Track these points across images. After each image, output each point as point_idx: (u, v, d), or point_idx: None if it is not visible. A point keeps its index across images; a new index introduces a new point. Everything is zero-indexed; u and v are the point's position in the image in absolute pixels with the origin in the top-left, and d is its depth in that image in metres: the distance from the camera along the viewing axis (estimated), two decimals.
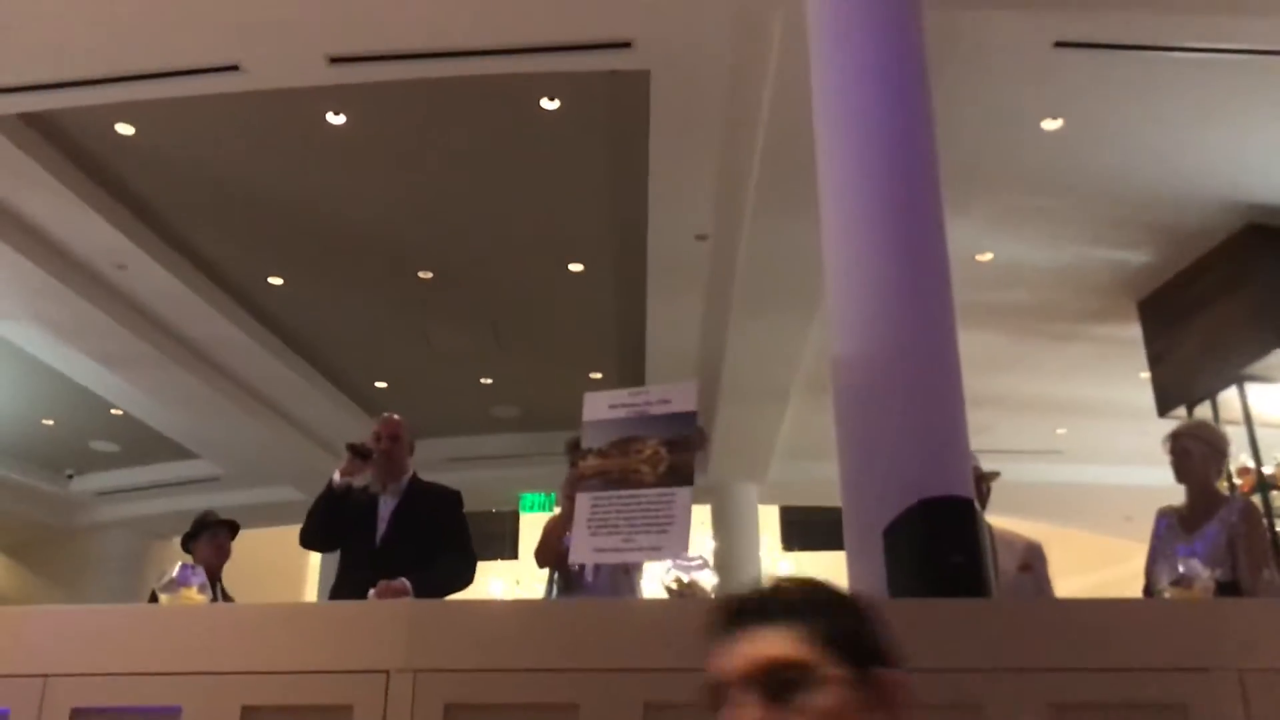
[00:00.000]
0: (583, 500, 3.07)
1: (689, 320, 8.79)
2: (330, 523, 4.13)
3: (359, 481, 4.17)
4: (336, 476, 4.07)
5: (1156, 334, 8.08)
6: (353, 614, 2.33)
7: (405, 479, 4.27)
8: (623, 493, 3.02)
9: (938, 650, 2.18)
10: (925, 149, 4.08)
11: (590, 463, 3.12)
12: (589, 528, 2.99)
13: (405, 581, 3.64)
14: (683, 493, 2.97)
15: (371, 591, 3.56)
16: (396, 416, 4.36)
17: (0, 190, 6.82)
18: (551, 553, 4.11)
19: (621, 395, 3.21)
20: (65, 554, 13.68)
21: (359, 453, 4.07)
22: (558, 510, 4.27)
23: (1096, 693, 2.14)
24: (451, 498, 4.32)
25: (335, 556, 4.44)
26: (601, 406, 3.20)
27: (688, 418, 3.10)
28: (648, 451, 3.06)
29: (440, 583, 3.75)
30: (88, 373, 9.78)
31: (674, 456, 3.03)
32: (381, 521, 4.13)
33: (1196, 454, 4.08)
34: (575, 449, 3.80)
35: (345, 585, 4.05)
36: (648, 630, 2.22)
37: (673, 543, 2.87)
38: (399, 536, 4.07)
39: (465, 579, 4.10)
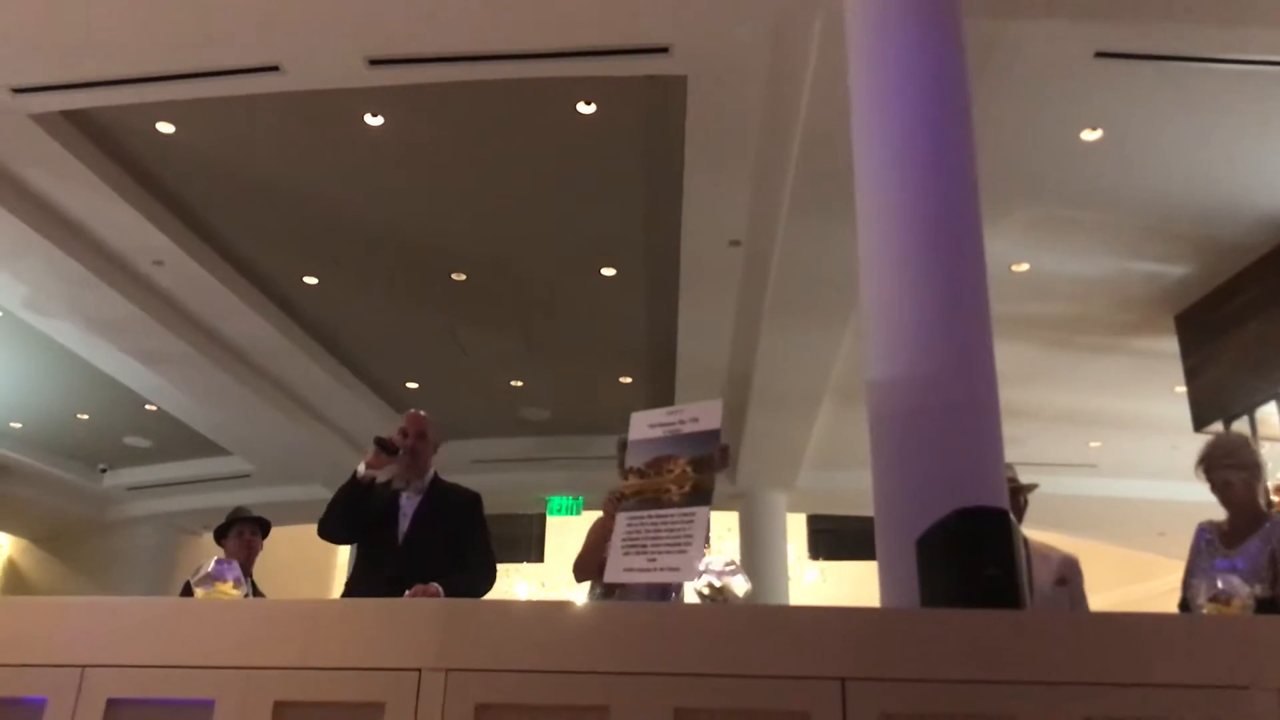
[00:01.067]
0: (621, 520, 3.11)
1: (721, 326, 8.78)
2: (351, 516, 4.11)
3: (383, 477, 4.16)
4: (362, 468, 4.06)
5: (1193, 348, 7.99)
6: (386, 612, 2.34)
7: (428, 478, 4.25)
8: (653, 512, 3.05)
9: (971, 661, 2.17)
10: (964, 157, 4.05)
11: (631, 482, 3.16)
12: (623, 548, 3.03)
13: (438, 587, 3.66)
14: (701, 511, 2.98)
15: (406, 594, 3.58)
16: (423, 413, 4.35)
17: (41, 185, 6.92)
18: (594, 563, 4.04)
19: (660, 415, 3.23)
20: (97, 547, 13.84)
21: (386, 448, 4.06)
22: (603, 515, 4.18)
23: (1131, 708, 2.11)
24: (474, 500, 4.30)
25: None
26: (643, 426, 3.23)
27: (712, 436, 3.12)
28: (677, 471, 3.08)
29: (465, 589, 3.74)
30: (122, 368, 9.90)
31: (698, 475, 3.05)
32: (404, 519, 4.12)
33: (1238, 482, 4.02)
34: (624, 449, 3.82)
35: (364, 581, 4.05)
36: (679, 634, 2.21)
37: (688, 565, 2.89)
38: (422, 536, 4.06)
39: (488, 584, 4.09)
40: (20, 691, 2.24)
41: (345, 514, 4.10)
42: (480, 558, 4.09)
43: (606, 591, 3.97)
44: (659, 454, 3.14)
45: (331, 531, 4.21)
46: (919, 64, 4.17)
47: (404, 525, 4.11)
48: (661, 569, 2.92)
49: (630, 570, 2.98)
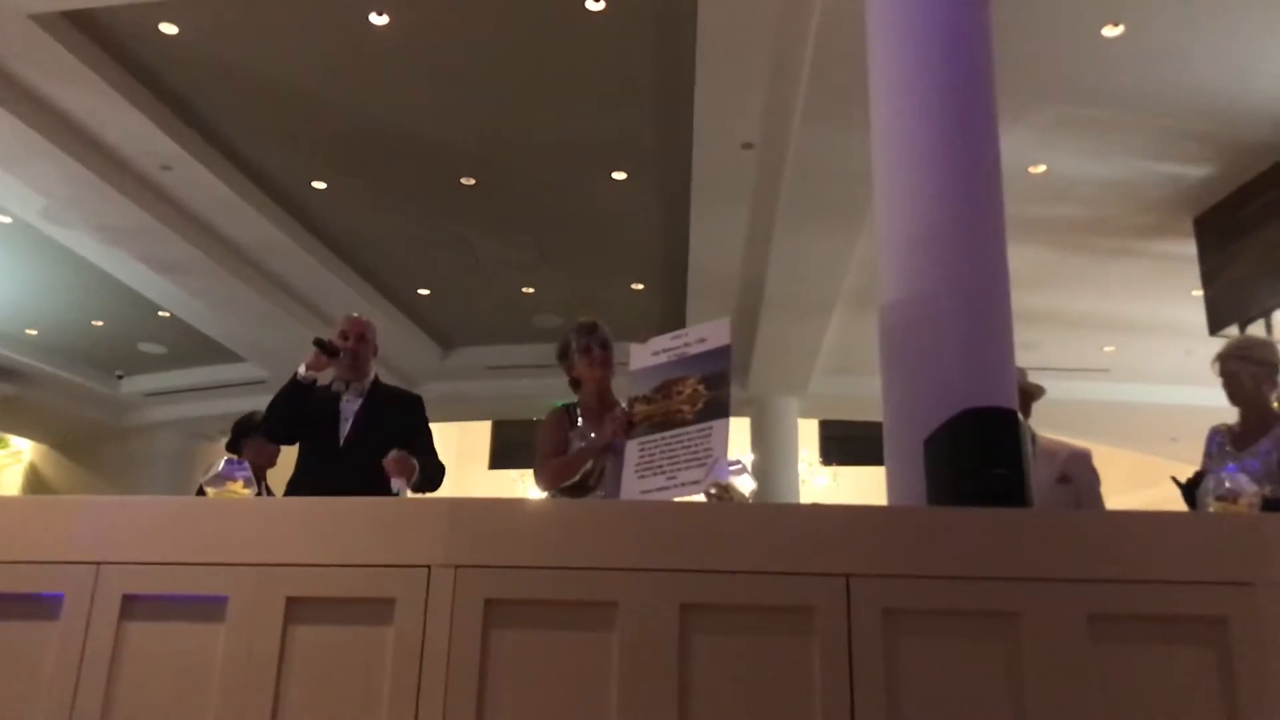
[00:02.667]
0: (632, 447, 3.13)
1: (733, 231, 8.70)
2: (291, 416, 4.20)
3: (323, 379, 4.22)
4: (302, 370, 4.13)
5: (1211, 251, 7.90)
6: (395, 510, 2.36)
7: (368, 381, 4.33)
8: (666, 434, 3.08)
9: (976, 559, 2.19)
10: (980, 54, 3.97)
11: (639, 409, 3.18)
12: (638, 473, 3.05)
13: (413, 458, 3.80)
14: (720, 424, 3.01)
15: (391, 454, 3.70)
16: (362, 317, 4.43)
17: (46, 89, 6.84)
18: (571, 474, 3.64)
19: (663, 340, 3.25)
20: (115, 452, 14.01)
21: (327, 349, 4.13)
22: (548, 423, 3.81)
23: (1135, 605, 2.13)
24: (415, 401, 4.38)
25: None
26: (646, 355, 3.24)
27: (722, 352, 3.13)
28: (687, 390, 3.10)
29: (420, 483, 3.88)
30: (135, 275, 9.90)
31: (711, 392, 3.07)
32: (345, 421, 4.19)
33: (1245, 375, 3.99)
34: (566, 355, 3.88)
35: (305, 482, 4.12)
36: (686, 532, 2.23)
37: (710, 475, 2.92)
38: (364, 437, 4.11)
39: (438, 482, 4.13)
40: (38, 587, 2.28)
41: (284, 414, 4.21)
42: (427, 458, 4.09)
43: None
44: (666, 378, 3.16)
45: (273, 431, 4.31)
46: None
47: (345, 429, 4.19)
48: (681, 484, 2.95)
49: (648, 491, 3.01)
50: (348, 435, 4.15)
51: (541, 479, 3.68)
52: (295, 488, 4.17)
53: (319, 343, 4.15)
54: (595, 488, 3.58)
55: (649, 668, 2.11)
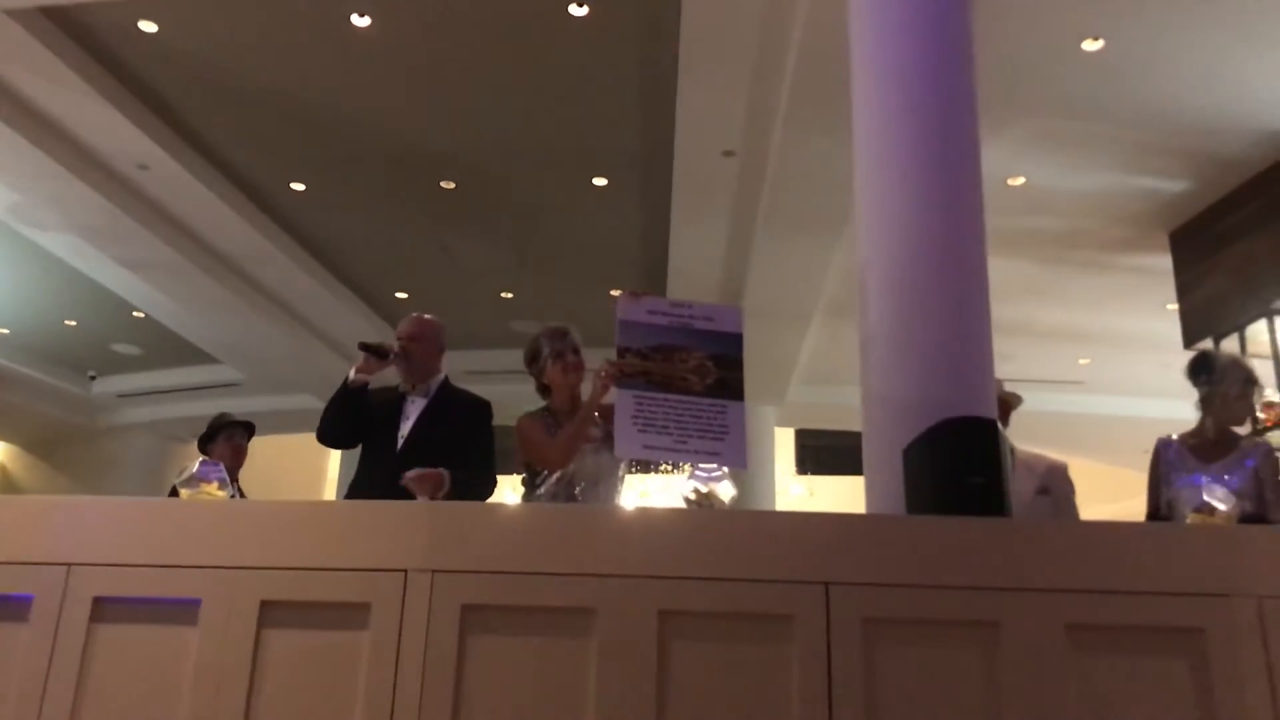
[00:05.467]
0: (624, 397, 3.08)
1: (713, 239, 8.71)
2: (341, 421, 4.10)
3: (378, 382, 4.12)
4: (352, 374, 4.04)
5: (1187, 265, 7.97)
6: (372, 513, 2.34)
7: (435, 381, 4.18)
8: (671, 396, 3.05)
9: (953, 568, 2.18)
10: (963, 68, 3.98)
11: (630, 361, 3.13)
12: (635, 424, 3.01)
13: (444, 471, 3.65)
14: (736, 406, 3.04)
15: (409, 475, 3.58)
16: (424, 316, 4.26)
17: (21, 85, 6.77)
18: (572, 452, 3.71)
19: (662, 303, 3.21)
20: (87, 454, 13.88)
21: (374, 351, 4.02)
22: (528, 417, 3.86)
23: (1113, 615, 2.14)
24: (481, 407, 4.21)
25: (354, 460, 4.40)
26: (639, 310, 3.18)
27: (735, 339, 3.15)
28: (692, 362, 3.09)
29: (463, 487, 3.71)
30: (110, 275, 9.82)
31: (724, 372, 3.09)
32: (407, 421, 4.07)
33: (1231, 391, 4.05)
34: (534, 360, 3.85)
35: (364, 483, 4.03)
36: (665, 538, 2.22)
37: (730, 451, 2.95)
38: (423, 438, 4.01)
39: (487, 489, 4.03)
40: (7, 588, 2.25)
41: (335, 419, 4.09)
42: (480, 462, 4.01)
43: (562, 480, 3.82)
44: (665, 341, 3.13)
45: (327, 436, 4.19)
46: None
47: (406, 427, 4.07)
48: (693, 451, 2.95)
49: (653, 448, 2.99)
50: (408, 436, 4.03)
51: (554, 456, 3.64)
52: (355, 488, 4.08)
53: (364, 346, 4.04)
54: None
55: (627, 675, 2.10)
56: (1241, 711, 2.07)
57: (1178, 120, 6.68)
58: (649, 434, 3.00)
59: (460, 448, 3.92)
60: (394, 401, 4.12)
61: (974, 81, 3.99)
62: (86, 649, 2.19)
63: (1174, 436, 4.19)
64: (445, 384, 4.22)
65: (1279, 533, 2.81)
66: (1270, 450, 4.16)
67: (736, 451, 2.95)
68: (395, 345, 4.08)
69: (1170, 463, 4.11)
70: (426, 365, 4.16)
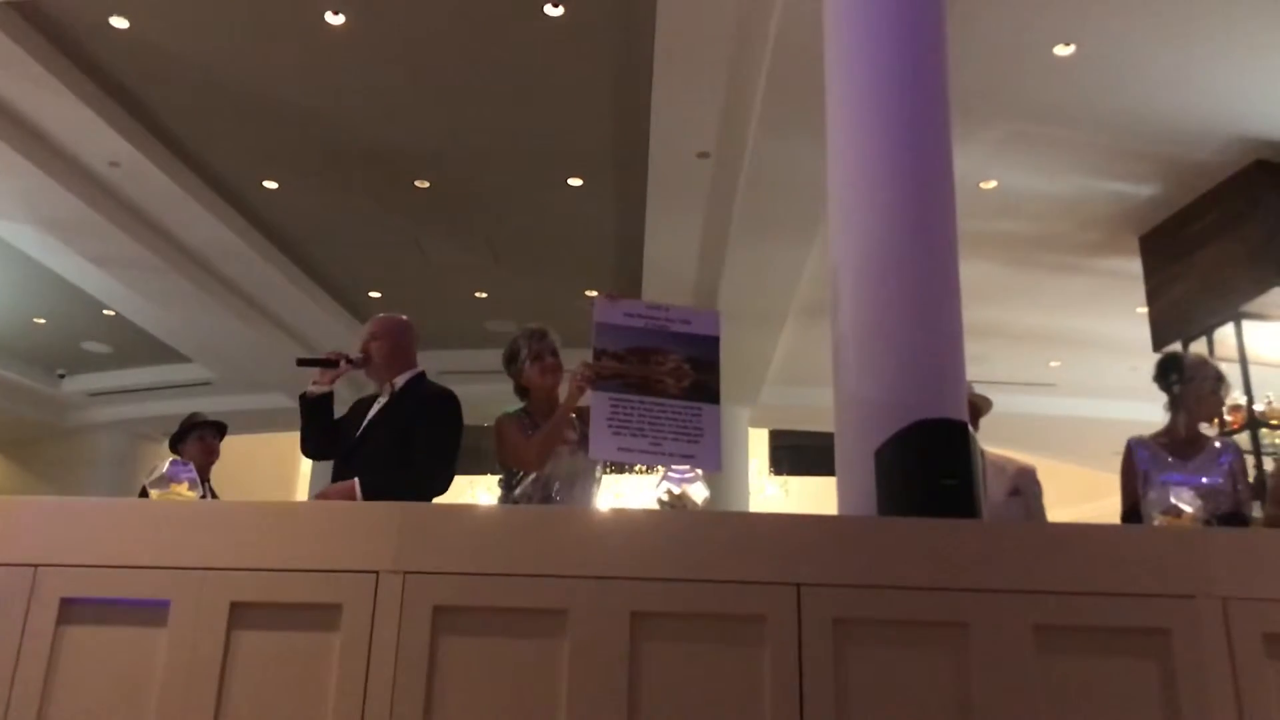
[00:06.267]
0: (600, 399, 3.08)
1: (688, 239, 8.72)
2: (310, 431, 4.00)
3: (341, 389, 4.04)
4: (310, 386, 3.96)
5: (1156, 268, 8.05)
6: (344, 514, 2.33)
7: (402, 379, 3.95)
8: (647, 398, 3.07)
9: (924, 569, 2.20)
10: (935, 70, 4.00)
11: (607, 364, 3.13)
12: (610, 426, 3.02)
13: (353, 482, 3.55)
14: (711, 409, 3.08)
15: (315, 495, 3.54)
16: (383, 315, 4.10)
17: None
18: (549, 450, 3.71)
19: (640, 305, 3.22)
20: (57, 453, 13.74)
21: (318, 364, 3.92)
22: (509, 416, 3.86)
23: (1080, 616, 2.16)
24: (438, 399, 3.91)
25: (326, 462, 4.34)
26: (615, 312, 3.19)
27: (712, 342, 3.18)
28: (669, 365, 3.10)
29: (399, 487, 3.39)
30: (79, 272, 9.69)
31: (699, 375, 3.12)
32: (365, 422, 3.93)
33: (1205, 389, 4.10)
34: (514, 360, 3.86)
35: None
36: (638, 540, 2.23)
37: (704, 453, 2.97)
38: (371, 437, 3.85)
39: (431, 483, 3.67)
40: None
41: (304, 431, 3.98)
42: (429, 454, 3.73)
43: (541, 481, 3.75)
44: (641, 344, 3.14)
45: (303, 448, 4.11)
46: None
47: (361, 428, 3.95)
48: (668, 454, 2.96)
49: (628, 450, 3.00)
50: (357, 437, 3.88)
51: (530, 457, 3.63)
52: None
53: (302, 361, 3.92)
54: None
55: (599, 676, 2.10)
56: (1207, 712, 2.10)
57: (1148, 125, 6.75)
58: (624, 436, 3.01)
59: (406, 443, 3.72)
60: (366, 405, 4.05)
61: (947, 86, 4.02)
62: (54, 651, 2.17)
63: (1147, 437, 4.23)
64: (412, 381, 3.98)
65: (1243, 534, 2.84)
66: (1239, 448, 4.23)
67: (711, 454, 2.98)
68: (346, 353, 3.95)
69: (1146, 461, 4.14)
70: (390, 364, 3.96)
